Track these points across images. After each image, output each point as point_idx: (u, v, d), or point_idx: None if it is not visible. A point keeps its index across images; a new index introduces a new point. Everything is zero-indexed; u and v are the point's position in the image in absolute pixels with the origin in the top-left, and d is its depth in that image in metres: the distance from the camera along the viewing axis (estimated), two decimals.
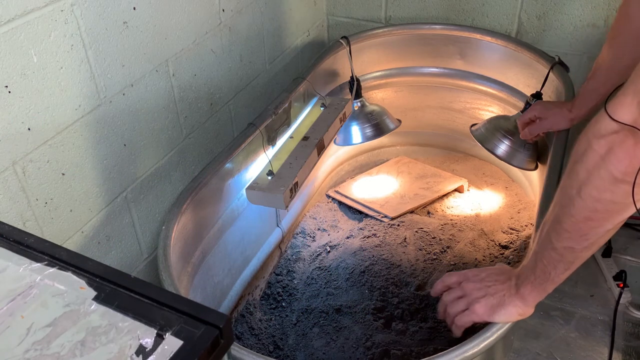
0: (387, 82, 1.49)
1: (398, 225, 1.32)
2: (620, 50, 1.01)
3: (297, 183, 1.07)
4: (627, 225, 1.38)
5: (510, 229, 1.29)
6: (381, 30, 1.41)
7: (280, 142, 1.18)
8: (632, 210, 0.69)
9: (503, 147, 1.23)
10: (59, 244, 0.55)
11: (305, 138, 1.19)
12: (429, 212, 1.38)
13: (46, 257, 0.52)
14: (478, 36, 1.36)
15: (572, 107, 1.10)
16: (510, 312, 0.81)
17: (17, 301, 0.48)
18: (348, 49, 1.31)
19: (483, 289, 0.86)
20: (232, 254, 1.13)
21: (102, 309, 0.48)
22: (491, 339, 0.77)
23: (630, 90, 0.62)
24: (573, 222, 0.72)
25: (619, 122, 0.63)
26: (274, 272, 1.24)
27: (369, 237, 1.28)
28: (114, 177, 0.92)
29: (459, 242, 1.25)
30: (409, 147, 1.61)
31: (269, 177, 1.08)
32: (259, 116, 1.12)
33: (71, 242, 0.87)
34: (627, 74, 1.05)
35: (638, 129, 0.62)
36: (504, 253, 1.22)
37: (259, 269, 1.22)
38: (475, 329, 0.85)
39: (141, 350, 0.44)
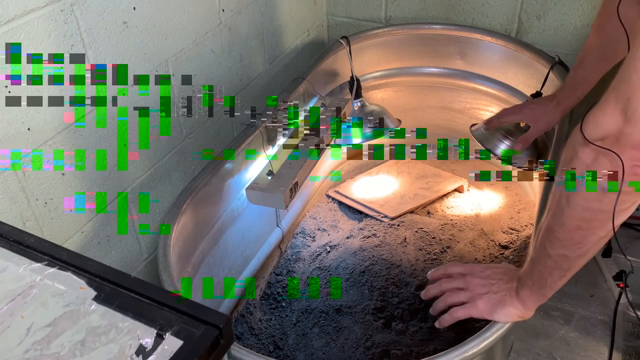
0: (387, 82, 1.49)
1: (398, 225, 1.31)
2: (607, 36, 1.00)
3: (297, 183, 1.07)
4: (627, 225, 1.38)
5: (510, 229, 1.29)
6: (381, 30, 1.41)
7: (280, 142, 1.17)
8: (623, 218, 0.69)
9: (503, 147, 1.23)
10: (59, 244, 0.55)
11: (305, 138, 1.18)
12: (429, 212, 1.38)
13: (46, 257, 0.52)
14: (478, 36, 1.36)
15: (560, 99, 1.09)
16: (510, 313, 0.82)
17: (17, 301, 0.48)
18: (348, 49, 1.31)
19: (487, 286, 0.86)
20: (232, 254, 1.13)
21: (102, 309, 0.48)
22: (491, 339, 0.77)
23: (612, 97, 0.61)
24: (564, 231, 0.72)
25: (595, 144, 0.62)
26: (274, 272, 1.24)
27: (369, 237, 1.28)
28: (114, 177, 0.92)
29: (459, 242, 1.25)
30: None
31: (269, 177, 1.08)
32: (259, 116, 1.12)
33: (71, 242, 0.87)
34: (615, 59, 1.04)
35: (610, 149, 0.61)
36: (504, 253, 1.22)
37: (259, 269, 1.22)
38: (473, 329, 0.85)
39: (141, 350, 0.44)
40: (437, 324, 0.90)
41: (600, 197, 0.66)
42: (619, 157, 0.61)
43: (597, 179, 0.65)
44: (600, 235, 0.70)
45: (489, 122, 1.22)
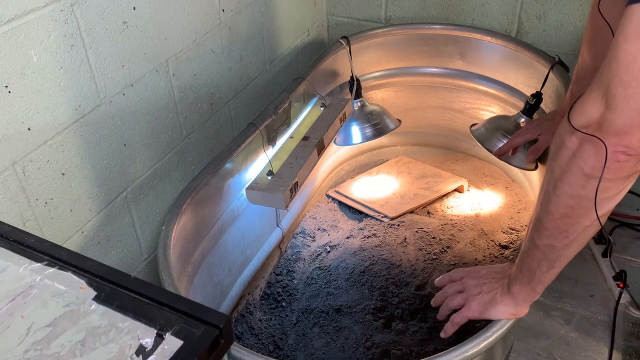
0: (387, 82, 1.49)
1: (398, 225, 1.31)
2: (598, 50, 1.00)
3: (297, 183, 1.07)
4: (627, 225, 1.38)
5: (510, 229, 1.29)
6: (381, 30, 1.41)
7: (280, 142, 1.18)
8: (609, 207, 0.69)
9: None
10: (59, 244, 0.55)
11: (305, 138, 1.19)
12: (429, 212, 1.38)
13: (46, 257, 0.52)
14: (478, 36, 1.35)
15: (564, 112, 1.09)
16: (501, 311, 0.82)
17: (17, 301, 0.48)
18: (348, 49, 1.31)
19: (479, 286, 0.87)
20: (232, 254, 1.13)
21: (102, 309, 0.48)
22: (491, 339, 0.77)
23: (595, 86, 0.62)
24: (551, 219, 0.73)
25: (580, 131, 0.63)
26: (274, 272, 1.25)
27: (369, 237, 1.28)
28: (114, 177, 0.92)
29: (459, 242, 1.25)
30: (409, 147, 1.61)
31: (269, 177, 1.08)
32: (259, 116, 1.12)
33: (71, 242, 0.87)
34: None
35: (593, 135, 0.62)
36: (504, 253, 1.22)
37: (259, 269, 1.22)
38: (473, 329, 0.85)
39: (141, 350, 0.44)
40: (442, 335, 0.91)
41: (584, 184, 0.66)
42: (603, 143, 0.62)
43: (581, 166, 0.65)
44: (586, 224, 0.70)
45: (500, 150, 1.20)
